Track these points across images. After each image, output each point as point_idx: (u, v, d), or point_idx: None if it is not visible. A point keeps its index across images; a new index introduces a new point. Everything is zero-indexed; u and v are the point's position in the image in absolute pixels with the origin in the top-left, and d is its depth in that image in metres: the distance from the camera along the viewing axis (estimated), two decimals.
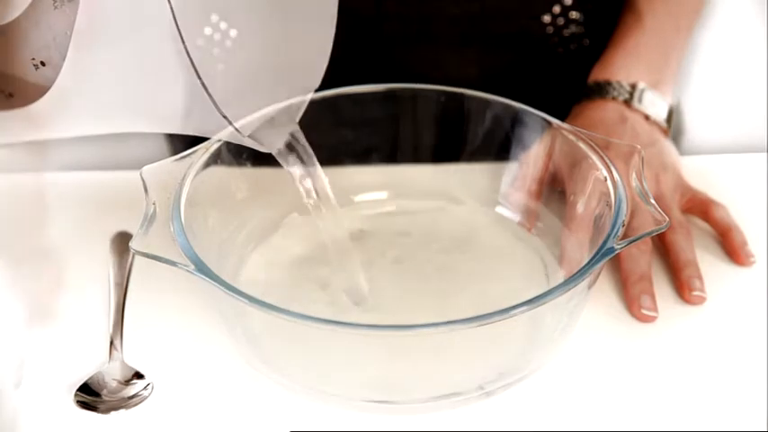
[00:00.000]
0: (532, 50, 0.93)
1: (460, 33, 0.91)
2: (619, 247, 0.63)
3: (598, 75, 0.87)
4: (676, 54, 0.89)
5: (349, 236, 0.73)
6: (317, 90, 0.78)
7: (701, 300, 0.72)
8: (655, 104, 0.84)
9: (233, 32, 0.90)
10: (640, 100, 0.84)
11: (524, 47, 0.93)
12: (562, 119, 0.79)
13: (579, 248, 0.71)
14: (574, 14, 0.92)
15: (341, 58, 0.90)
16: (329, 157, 0.80)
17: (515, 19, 0.91)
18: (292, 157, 0.69)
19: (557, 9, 0.91)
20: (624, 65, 0.86)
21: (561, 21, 0.92)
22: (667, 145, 0.83)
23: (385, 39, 0.91)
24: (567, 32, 0.93)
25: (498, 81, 0.87)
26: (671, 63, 0.88)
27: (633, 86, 0.84)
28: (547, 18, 0.92)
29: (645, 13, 0.89)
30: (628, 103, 0.84)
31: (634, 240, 0.64)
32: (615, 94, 0.84)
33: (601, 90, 0.85)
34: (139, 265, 0.75)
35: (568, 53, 0.94)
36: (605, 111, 0.84)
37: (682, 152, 0.84)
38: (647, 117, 0.84)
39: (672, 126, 0.86)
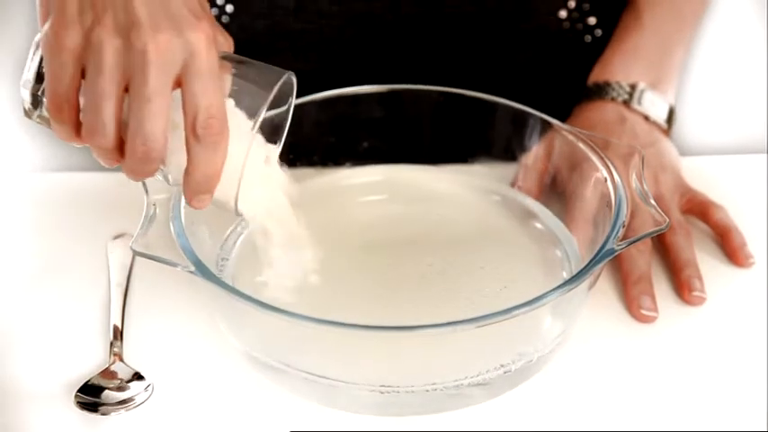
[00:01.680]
0: (549, 46, 0.93)
1: (477, 31, 0.91)
2: (619, 247, 0.63)
3: (597, 76, 0.87)
4: (678, 52, 0.88)
5: (349, 236, 0.73)
6: (319, 90, 0.78)
7: (701, 300, 0.72)
8: (654, 105, 0.84)
9: (229, 8, 0.90)
10: (640, 100, 0.84)
11: (541, 43, 0.93)
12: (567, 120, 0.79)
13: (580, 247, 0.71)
14: (587, 8, 0.92)
15: (355, 58, 0.90)
16: (330, 158, 0.81)
17: (531, 16, 0.91)
18: None
19: (572, 4, 0.91)
20: (623, 65, 0.86)
21: (576, 15, 0.92)
22: (667, 145, 0.83)
23: (399, 39, 0.91)
24: (580, 26, 0.92)
25: (514, 77, 0.86)
26: (671, 62, 0.88)
27: (632, 87, 0.84)
28: (563, 13, 0.91)
29: (644, 11, 0.88)
30: (627, 103, 0.84)
31: (634, 241, 0.64)
32: (614, 94, 0.84)
33: (600, 91, 0.85)
34: (140, 266, 0.75)
35: (583, 47, 0.93)
36: (604, 112, 0.84)
37: (681, 152, 0.84)
38: (646, 117, 0.84)
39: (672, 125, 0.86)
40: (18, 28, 1.10)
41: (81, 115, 0.59)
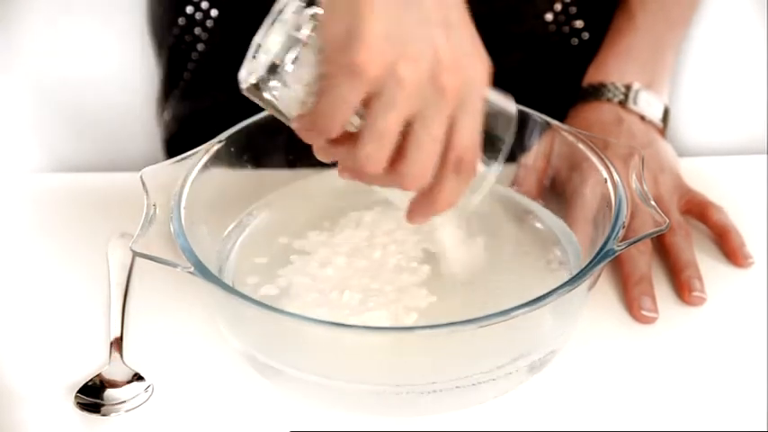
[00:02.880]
0: (536, 49, 0.93)
1: None
2: (619, 248, 0.63)
3: (592, 77, 0.87)
4: (671, 52, 0.88)
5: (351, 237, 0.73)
6: None
7: (701, 300, 0.72)
8: (650, 105, 0.84)
9: (214, 12, 0.90)
10: (635, 101, 0.84)
11: (529, 46, 0.93)
12: (562, 121, 0.79)
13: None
14: (574, 11, 0.92)
15: None
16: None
17: (519, 19, 0.91)
18: None
19: (558, 7, 0.91)
20: (618, 66, 0.86)
21: (562, 18, 0.92)
22: (664, 145, 0.83)
23: None
24: (567, 29, 0.92)
25: (502, 82, 0.86)
26: (665, 61, 0.88)
27: (627, 87, 0.84)
28: (549, 16, 0.91)
29: (637, 11, 0.88)
30: (623, 104, 0.84)
31: (634, 242, 0.64)
32: (610, 95, 0.84)
33: (595, 92, 0.85)
34: (140, 267, 0.75)
35: (570, 50, 0.93)
36: (601, 113, 0.84)
37: (681, 153, 0.84)
38: (642, 118, 0.84)
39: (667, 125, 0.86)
40: (21, 27, 1.10)
41: (357, 141, 0.57)
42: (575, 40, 0.93)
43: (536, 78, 0.94)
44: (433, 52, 0.55)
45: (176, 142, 0.98)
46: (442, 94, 0.56)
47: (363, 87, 0.55)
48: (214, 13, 0.90)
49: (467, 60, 0.57)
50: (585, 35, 0.93)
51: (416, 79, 0.55)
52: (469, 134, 0.58)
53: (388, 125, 0.56)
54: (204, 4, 0.89)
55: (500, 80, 0.91)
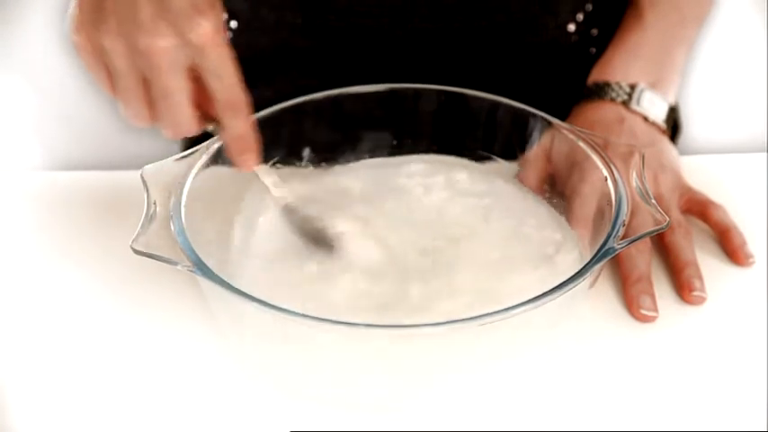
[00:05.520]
0: (555, 59, 0.93)
1: (485, 46, 0.91)
2: (619, 246, 0.63)
3: (597, 75, 0.87)
4: (679, 53, 0.88)
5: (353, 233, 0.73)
6: (321, 89, 0.78)
7: (701, 300, 0.72)
8: (654, 105, 0.84)
9: (233, 23, 0.90)
10: (639, 101, 0.84)
11: (548, 56, 0.93)
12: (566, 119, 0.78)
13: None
14: (592, 21, 0.92)
15: (363, 75, 0.89)
16: (331, 157, 0.81)
17: (540, 29, 0.91)
18: None
19: (580, 17, 0.91)
20: (623, 65, 0.86)
21: (583, 27, 0.92)
22: (666, 145, 0.83)
23: (408, 55, 0.91)
24: (586, 38, 0.92)
25: (520, 91, 0.86)
26: (672, 62, 0.87)
27: (632, 87, 0.84)
28: (572, 27, 0.91)
29: (646, 10, 0.88)
30: (626, 103, 0.84)
31: (634, 240, 0.64)
32: (613, 95, 0.84)
33: (599, 91, 0.85)
34: (139, 265, 0.75)
35: (588, 59, 0.93)
36: (603, 112, 0.84)
37: (681, 151, 0.84)
38: (645, 118, 0.84)
39: (673, 124, 0.86)
40: (23, 26, 1.10)
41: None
42: (593, 49, 0.93)
43: (555, 87, 0.94)
44: (133, 20, 0.60)
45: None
46: (149, 59, 0.61)
47: (91, 60, 0.63)
48: (233, 24, 0.90)
49: (178, 24, 0.61)
50: (603, 44, 0.93)
51: (120, 48, 0.61)
52: (220, 86, 0.63)
53: (123, 89, 0.63)
54: (223, 16, 0.89)
55: (519, 89, 0.92)
